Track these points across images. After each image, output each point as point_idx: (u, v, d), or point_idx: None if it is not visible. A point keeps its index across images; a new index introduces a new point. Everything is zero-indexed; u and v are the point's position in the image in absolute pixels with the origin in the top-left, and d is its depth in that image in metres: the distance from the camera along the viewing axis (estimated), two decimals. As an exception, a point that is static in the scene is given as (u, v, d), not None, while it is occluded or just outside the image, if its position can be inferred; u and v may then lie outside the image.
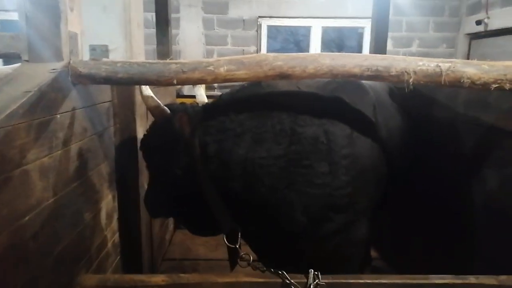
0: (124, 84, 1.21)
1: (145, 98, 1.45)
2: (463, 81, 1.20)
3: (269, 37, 4.98)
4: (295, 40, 6.15)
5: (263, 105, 1.51)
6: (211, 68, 1.19)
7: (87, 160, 1.31)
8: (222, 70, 1.19)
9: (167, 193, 1.54)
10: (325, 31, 5.02)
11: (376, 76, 1.21)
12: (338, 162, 1.44)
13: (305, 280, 1.28)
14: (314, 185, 1.43)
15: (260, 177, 1.43)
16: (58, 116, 1.09)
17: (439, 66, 1.20)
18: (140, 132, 1.71)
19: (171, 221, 2.87)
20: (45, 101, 1.01)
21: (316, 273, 1.28)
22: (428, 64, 1.20)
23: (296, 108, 1.49)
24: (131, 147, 1.71)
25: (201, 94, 1.66)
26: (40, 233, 0.99)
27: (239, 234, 1.49)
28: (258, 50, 4.89)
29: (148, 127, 1.56)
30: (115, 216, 1.63)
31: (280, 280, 1.28)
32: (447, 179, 1.79)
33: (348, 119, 1.49)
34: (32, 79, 1.02)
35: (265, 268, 1.32)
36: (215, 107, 1.56)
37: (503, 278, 1.29)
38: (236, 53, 4.78)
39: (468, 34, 4.82)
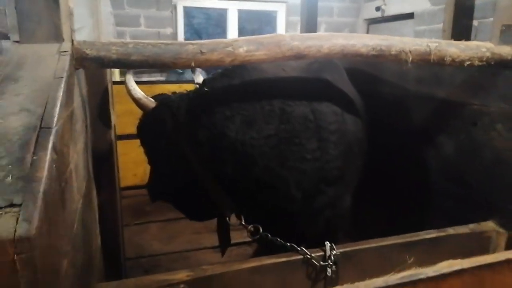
0: (136, 67, 1.08)
1: (129, 90, 1.34)
2: (446, 59, 1.37)
3: (185, 19, 4.79)
4: (212, 22, 6.04)
5: (251, 87, 1.50)
6: (230, 48, 1.13)
7: (86, 155, 1.15)
8: (241, 50, 1.14)
9: (165, 180, 1.48)
10: (241, 14, 5.04)
11: (379, 55, 1.30)
12: (327, 138, 1.51)
13: (322, 253, 1.34)
14: (305, 161, 1.49)
15: (253, 158, 1.43)
16: (75, 105, 0.93)
17: (429, 46, 1.34)
18: (113, 123, 1.54)
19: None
20: (69, 89, 0.85)
21: (330, 244, 1.35)
22: (420, 44, 1.33)
23: (284, 89, 1.52)
24: (105, 140, 1.53)
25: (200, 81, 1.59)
26: (79, 243, 0.85)
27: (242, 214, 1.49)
28: (174, 33, 4.68)
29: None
30: (97, 218, 1.46)
31: (300, 257, 1.32)
32: (405, 150, 2.02)
33: (333, 97, 1.57)
34: (44, 63, 0.85)
35: (283, 242, 1.34)
36: (202, 92, 1.50)
37: (472, 226, 1.54)
38: (150, 35, 4.51)
39: (367, 19, 5.35)
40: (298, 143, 1.47)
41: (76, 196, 0.84)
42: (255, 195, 1.50)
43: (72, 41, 0.99)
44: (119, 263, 1.65)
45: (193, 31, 5.96)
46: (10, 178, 0.56)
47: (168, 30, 4.63)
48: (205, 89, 1.48)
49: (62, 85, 0.76)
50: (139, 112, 1.50)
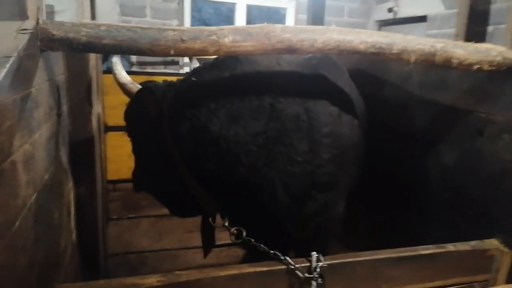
0: (109, 53, 0.99)
1: (114, 74, 1.26)
2: (453, 61, 1.26)
3: (193, 11, 4.71)
4: (220, 16, 5.95)
5: (240, 80, 1.41)
6: (214, 37, 1.04)
7: (54, 145, 1.06)
8: (226, 40, 1.05)
9: (147, 170, 1.41)
10: (250, 9, 4.94)
11: (378, 53, 1.20)
12: (320, 141, 1.42)
13: (308, 264, 1.24)
14: (295, 163, 1.39)
15: (237, 156, 1.34)
16: (33, 90, 0.84)
17: (434, 46, 1.23)
18: (96, 112, 1.46)
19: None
20: (23, 70, 0.77)
21: (317, 255, 1.25)
22: (424, 43, 1.23)
23: (277, 84, 1.42)
24: (85, 130, 1.45)
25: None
26: (27, 241, 0.77)
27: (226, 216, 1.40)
28: (181, 25, 4.60)
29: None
30: (73, 212, 1.38)
31: (284, 267, 1.22)
32: (406, 156, 1.91)
33: (330, 97, 1.47)
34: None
35: (266, 249, 1.25)
36: (188, 82, 1.42)
37: (473, 243, 1.43)
38: (156, 28, 4.42)
39: (378, 21, 5.21)
40: (288, 144, 1.38)
41: (25, 191, 0.76)
42: (239, 195, 1.41)
43: (38, 20, 0.91)
44: (97, 260, 1.57)
45: (200, 24, 5.88)
46: None
47: (174, 22, 4.54)
48: (193, 79, 1.40)
49: (8, 65, 0.67)
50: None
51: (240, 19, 4.79)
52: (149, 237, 2.55)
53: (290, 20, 5.07)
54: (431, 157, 1.76)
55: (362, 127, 1.59)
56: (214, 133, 1.33)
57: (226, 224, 1.34)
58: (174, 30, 1.02)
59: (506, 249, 1.41)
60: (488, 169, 1.50)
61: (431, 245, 1.39)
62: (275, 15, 5.67)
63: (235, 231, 1.32)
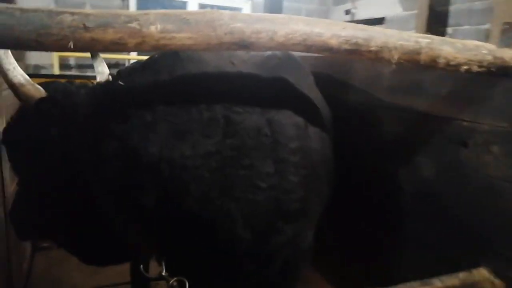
0: (-33, 44, 0.66)
1: (3, 71, 0.91)
2: (439, 60, 1.04)
3: (139, 9, 4.32)
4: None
5: (184, 85, 1.11)
6: (134, 25, 0.74)
7: None
8: (153, 29, 0.75)
9: (49, 209, 1.04)
10: (202, 8, 4.64)
11: (354, 50, 0.95)
12: (286, 159, 1.15)
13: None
14: (258, 190, 1.11)
15: (184, 184, 1.04)
16: None
17: (418, 42, 1.00)
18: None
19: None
20: None
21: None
22: (407, 39, 0.99)
23: (231, 90, 1.14)
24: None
25: (103, 72, 1.13)
26: None
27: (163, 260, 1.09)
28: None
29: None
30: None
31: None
32: (376, 170, 1.69)
33: (295, 105, 1.21)
34: None
35: None
36: (115, 86, 1.09)
37: (462, 276, 1.22)
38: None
39: (335, 23, 5.10)
40: (248, 166, 1.09)
41: None
42: (184, 235, 1.10)
43: None
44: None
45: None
46: None
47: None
48: (120, 82, 1.07)
49: None
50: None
51: (192, 18, 4.48)
52: (83, 271, 2.15)
53: (245, 21, 4.84)
54: (406, 171, 1.55)
55: (331, 140, 1.35)
56: (153, 155, 1.02)
57: (164, 273, 1.02)
58: (73, 13, 0.70)
59: (497, 281, 1.22)
60: (473, 186, 1.30)
61: (414, 282, 1.17)
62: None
63: (175, 283, 1.01)
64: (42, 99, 0.98)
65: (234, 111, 1.10)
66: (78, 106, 1.01)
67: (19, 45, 0.68)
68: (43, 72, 3.54)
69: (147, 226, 1.08)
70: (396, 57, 0.97)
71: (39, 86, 0.96)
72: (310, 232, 1.29)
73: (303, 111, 1.21)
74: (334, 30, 0.91)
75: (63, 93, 1.02)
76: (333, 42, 0.91)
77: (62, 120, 0.98)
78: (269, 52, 1.26)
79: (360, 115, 1.75)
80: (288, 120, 1.17)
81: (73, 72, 3.80)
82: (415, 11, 3.46)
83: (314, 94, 1.33)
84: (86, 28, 0.70)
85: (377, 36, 0.95)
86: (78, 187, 1.01)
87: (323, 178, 1.26)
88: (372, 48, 0.95)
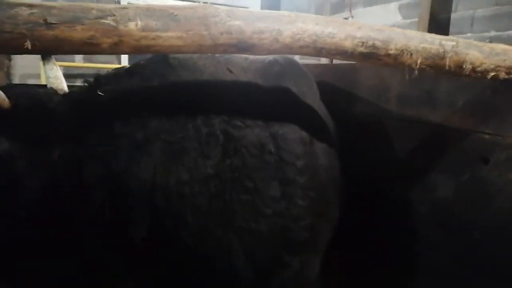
0: None
1: None
2: (465, 66, 0.91)
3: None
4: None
5: (177, 96, 0.96)
6: (109, 21, 0.60)
7: None
8: (132, 27, 0.61)
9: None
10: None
11: (371, 54, 0.82)
12: (294, 180, 1.00)
13: None
14: (262, 218, 0.96)
15: (180, 214, 0.89)
16: None
17: (442, 45, 0.87)
18: None
19: None
20: None
21: None
22: (431, 41, 0.86)
23: (230, 102, 0.99)
24: None
25: (57, 77, 0.94)
26: None
27: None
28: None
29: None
30: None
31: None
32: (385, 189, 1.55)
33: (300, 117, 1.07)
34: None
35: None
36: (93, 97, 0.93)
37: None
38: None
39: (332, 32, 5.01)
40: (251, 189, 0.95)
41: None
42: (176, 272, 0.94)
43: None
44: None
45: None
46: None
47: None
48: (99, 93, 0.91)
49: None
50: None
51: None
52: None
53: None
54: (419, 191, 1.40)
55: (338, 155, 1.21)
56: (145, 181, 0.86)
57: None
58: (31, 5, 0.56)
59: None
60: (495, 207, 1.17)
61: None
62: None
63: None
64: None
65: (234, 125, 0.95)
66: (51, 117, 0.85)
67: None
68: (30, 82, 3.37)
69: (135, 263, 0.92)
70: (418, 62, 0.84)
71: None
72: (316, 261, 1.14)
73: (309, 124, 1.07)
74: (348, 31, 0.78)
75: (30, 100, 0.85)
76: (348, 44, 0.78)
77: (26, 133, 0.82)
78: (270, 57, 1.13)
79: (367, 128, 1.61)
80: (293, 134, 1.03)
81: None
82: (415, 19, 3.36)
83: (318, 105, 1.20)
84: (48, 25, 0.56)
85: (397, 38, 0.82)
86: (50, 223, 0.85)
87: (332, 200, 1.12)
88: (391, 52, 0.82)
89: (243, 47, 0.69)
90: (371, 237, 1.57)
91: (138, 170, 0.86)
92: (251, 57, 1.13)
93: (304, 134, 1.05)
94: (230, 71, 1.05)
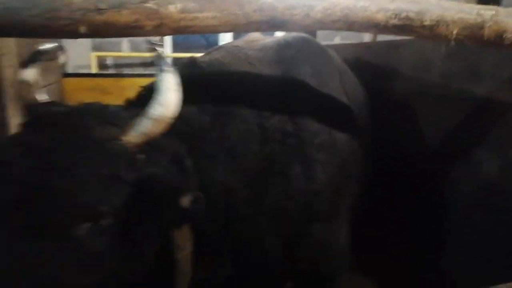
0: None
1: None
2: (506, 36, 0.88)
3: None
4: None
5: (215, 97, 1.00)
6: (151, 5, 0.65)
7: None
8: (172, 9, 0.66)
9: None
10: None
11: (404, 26, 0.82)
12: (312, 157, 1.03)
13: None
14: (287, 196, 1.01)
15: (234, 209, 0.96)
16: None
17: (481, 15, 0.85)
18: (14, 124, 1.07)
19: None
20: None
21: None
22: (469, 11, 0.84)
23: (257, 95, 1.04)
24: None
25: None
26: None
27: None
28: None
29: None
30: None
31: None
32: (426, 166, 1.52)
33: (316, 96, 1.10)
34: None
35: None
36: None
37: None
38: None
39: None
40: (278, 172, 1.00)
41: None
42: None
43: None
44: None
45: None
46: None
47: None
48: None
49: None
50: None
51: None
52: None
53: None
54: (463, 169, 1.36)
55: (364, 127, 1.21)
56: (218, 182, 0.94)
57: None
58: (83, -6, 0.63)
59: None
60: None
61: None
62: (210, 37, 4.38)
63: None
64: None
65: (265, 116, 1.00)
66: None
67: (24, 32, 0.61)
68: (81, 71, 3.60)
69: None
70: (454, 32, 0.83)
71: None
72: (343, 233, 1.16)
73: (324, 102, 1.09)
74: (381, 3, 0.78)
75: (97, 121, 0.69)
76: (380, 17, 0.78)
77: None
78: (281, 41, 1.16)
79: (408, 105, 1.59)
80: (310, 114, 1.06)
81: (111, 71, 3.83)
82: None
83: (338, 79, 1.21)
84: (99, 11, 0.63)
85: (432, 9, 0.81)
86: None
87: (352, 173, 1.13)
88: (426, 23, 0.81)
89: (275, 23, 0.72)
90: (411, 216, 1.56)
91: (214, 173, 0.94)
92: (265, 45, 1.17)
93: (320, 112, 1.06)
94: (250, 63, 1.10)
